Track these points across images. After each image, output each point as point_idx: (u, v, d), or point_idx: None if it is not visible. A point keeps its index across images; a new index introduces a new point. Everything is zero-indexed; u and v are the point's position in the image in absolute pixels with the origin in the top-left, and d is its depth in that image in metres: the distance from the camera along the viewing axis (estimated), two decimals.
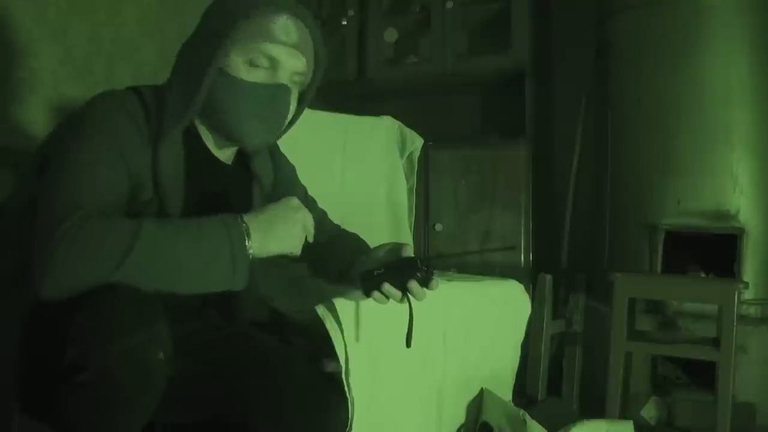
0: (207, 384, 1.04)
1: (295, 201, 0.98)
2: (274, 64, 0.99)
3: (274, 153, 1.24)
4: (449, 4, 2.55)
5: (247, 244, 0.89)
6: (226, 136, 1.04)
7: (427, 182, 2.44)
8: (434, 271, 1.03)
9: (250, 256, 0.90)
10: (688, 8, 1.98)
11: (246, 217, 0.92)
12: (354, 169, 1.96)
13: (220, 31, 0.96)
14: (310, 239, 0.99)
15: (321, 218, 1.27)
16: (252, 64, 0.98)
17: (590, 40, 2.39)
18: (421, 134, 2.23)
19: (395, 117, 2.16)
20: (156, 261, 0.83)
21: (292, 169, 1.29)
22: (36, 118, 1.72)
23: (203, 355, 1.06)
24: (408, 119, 2.21)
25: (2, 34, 1.63)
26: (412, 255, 1.05)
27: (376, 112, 2.13)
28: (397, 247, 1.09)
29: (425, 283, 1.02)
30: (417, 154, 2.22)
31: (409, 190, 2.20)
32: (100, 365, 0.75)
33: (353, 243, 1.22)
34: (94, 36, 1.92)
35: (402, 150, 2.18)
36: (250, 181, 1.16)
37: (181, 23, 2.28)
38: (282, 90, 1.01)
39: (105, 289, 0.80)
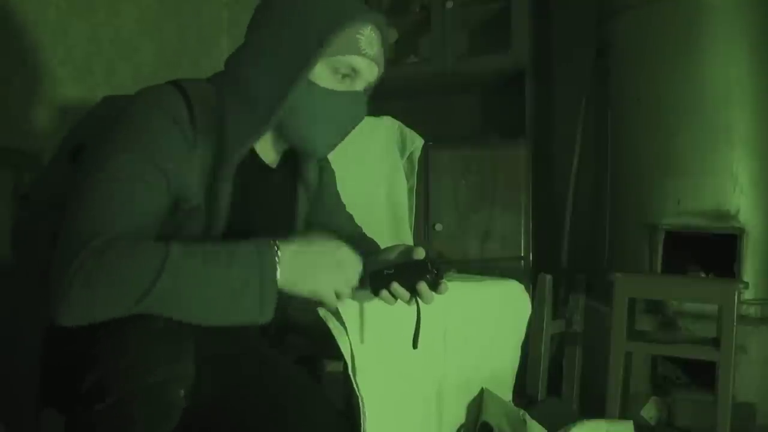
0: (217, 416, 1.00)
1: (344, 250, 0.94)
2: (354, 74, 0.98)
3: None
4: (449, 4, 2.55)
5: (278, 276, 0.85)
6: (294, 142, 1.00)
7: (427, 182, 2.44)
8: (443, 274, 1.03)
9: (278, 288, 0.86)
10: (688, 8, 1.98)
11: (285, 248, 0.87)
12: (354, 169, 1.96)
13: (311, 43, 0.92)
14: (345, 297, 0.95)
15: (344, 222, 1.26)
16: (336, 73, 0.96)
17: (590, 40, 2.39)
18: (421, 134, 2.23)
19: (395, 117, 2.16)
20: (181, 294, 0.79)
21: (333, 173, 1.26)
22: (36, 118, 1.72)
23: (219, 384, 1.00)
24: (408, 119, 2.21)
25: (2, 35, 1.63)
26: (424, 257, 1.04)
27: (376, 112, 2.14)
28: (409, 249, 1.07)
29: (434, 286, 1.01)
30: (417, 154, 2.22)
31: (410, 190, 2.20)
32: (119, 398, 0.74)
33: (368, 247, 1.20)
34: (94, 36, 1.92)
35: (402, 150, 2.18)
36: (295, 185, 1.13)
37: (180, 23, 2.28)
38: (362, 99, 1.01)
39: (135, 318, 0.77)
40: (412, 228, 2.20)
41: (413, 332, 1.04)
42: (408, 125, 2.19)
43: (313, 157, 1.07)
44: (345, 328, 1.08)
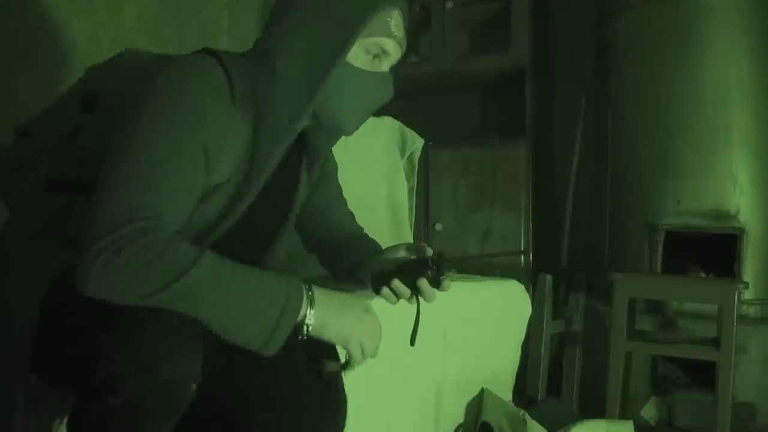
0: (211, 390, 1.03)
1: (372, 312, 0.95)
2: (384, 55, 1.01)
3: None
4: (449, 4, 2.55)
5: (304, 316, 0.86)
6: (324, 118, 1.01)
7: (427, 182, 2.44)
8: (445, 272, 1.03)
9: (306, 329, 0.87)
10: (688, 8, 1.98)
11: (315, 287, 0.88)
12: (354, 169, 1.96)
13: (348, 24, 0.95)
14: (368, 356, 0.96)
15: (345, 218, 1.26)
16: (368, 54, 0.99)
17: (590, 39, 2.39)
18: (421, 134, 2.23)
19: (395, 117, 2.16)
20: (201, 297, 0.79)
21: (335, 166, 1.28)
22: None
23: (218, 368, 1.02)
24: (408, 119, 2.21)
25: (2, 35, 1.63)
26: (428, 255, 1.05)
27: (376, 113, 2.13)
28: (412, 246, 1.09)
29: (435, 283, 1.01)
30: (417, 154, 2.22)
31: (410, 191, 2.20)
32: (132, 394, 0.74)
33: (369, 247, 1.20)
34: (94, 36, 1.92)
35: (402, 150, 2.18)
36: (299, 169, 1.13)
37: (180, 23, 2.28)
38: (390, 79, 1.05)
39: (150, 313, 0.77)
40: (412, 228, 2.20)
41: (411, 329, 1.04)
42: (408, 125, 2.19)
43: (340, 133, 1.09)
44: None
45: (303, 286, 0.87)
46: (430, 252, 1.05)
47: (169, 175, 0.83)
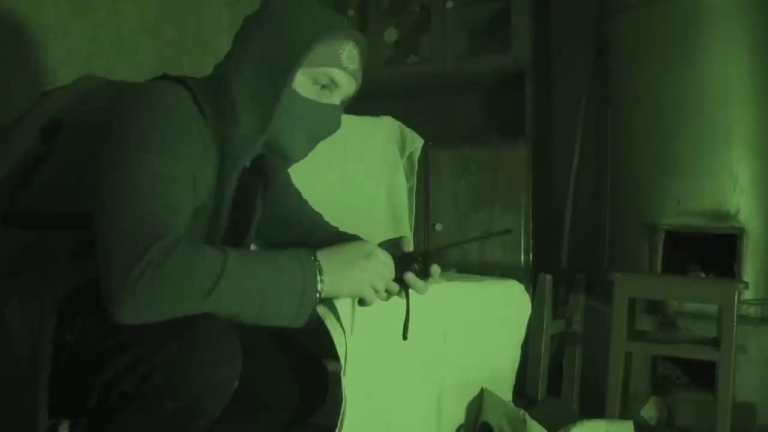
0: None
1: (371, 246, 1.00)
2: (334, 86, 1.02)
3: None
4: (449, 4, 2.55)
5: (318, 285, 0.91)
6: (270, 147, 1.04)
7: (427, 182, 2.43)
8: (434, 263, 1.04)
9: (319, 296, 0.91)
10: (688, 8, 1.97)
11: (319, 255, 0.93)
12: (354, 169, 1.96)
13: (295, 51, 0.97)
14: (382, 292, 1.00)
15: (318, 221, 1.27)
16: (316, 83, 1.00)
17: (590, 40, 2.39)
18: (421, 134, 2.23)
19: (395, 117, 2.16)
20: (240, 293, 0.83)
21: (287, 172, 1.28)
22: None
23: None
24: (408, 119, 2.21)
25: (2, 35, 1.63)
26: (410, 250, 1.07)
27: (376, 112, 2.13)
28: (395, 242, 1.10)
29: (424, 274, 1.03)
30: (417, 154, 2.22)
31: (409, 190, 2.20)
32: (190, 397, 0.77)
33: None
34: (94, 36, 1.92)
35: (402, 150, 2.18)
36: (256, 183, 1.16)
37: (180, 23, 2.28)
38: (339, 111, 1.06)
39: (196, 319, 0.80)
40: (412, 228, 2.20)
41: (403, 323, 1.05)
42: (408, 125, 2.19)
43: (286, 163, 1.10)
44: (342, 328, 1.09)
45: (310, 256, 0.91)
46: (410, 245, 1.07)
47: (172, 192, 0.85)
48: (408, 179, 2.19)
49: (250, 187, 1.14)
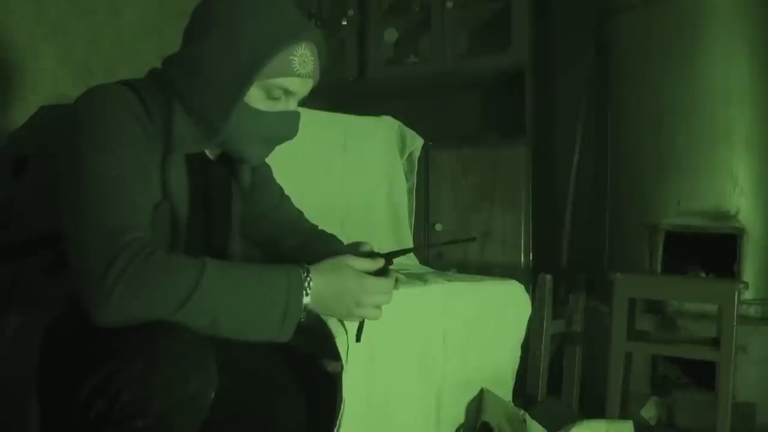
0: None
1: (371, 280, 0.98)
2: (289, 94, 1.00)
3: None
4: (449, 4, 2.55)
5: (303, 299, 0.89)
6: (229, 152, 1.03)
7: (427, 182, 2.43)
8: (402, 272, 1.03)
9: (304, 312, 0.90)
10: (688, 8, 1.98)
11: (314, 271, 0.91)
12: (354, 169, 1.96)
13: (245, 68, 0.94)
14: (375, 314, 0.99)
15: (296, 220, 1.26)
16: (269, 96, 0.98)
17: (590, 40, 2.39)
18: (421, 134, 2.23)
19: (395, 117, 2.16)
20: (216, 305, 0.82)
21: (269, 169, 1.27)
22: None
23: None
24: (408, 119, 2.21)
25: (2, 35, 1.63)
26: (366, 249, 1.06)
27: (376, 112, 2.13)
28: (354, 246, 1.09)
29: (383, 275, 1.01)
30: (417, 154, 2.22)
31: (409, 190, 2.20)
32: (160, 413, 0.75)
33: (325, 248, 1.18)
34: (94, 37, 1.92)
35: (402, 150, 2.18)
36: (230, 180, 1.14)
37: (180, 24, 2.28)
38: (296, 117, 1.03)
39: (163, 333, 0.78)
40: (412, 228, 2.20)
41: (357, 326, 1.05)
42: (408, 125, 2.19)
43: (247, 164, 1.10)
44: (345, 329, 1.09)
45: (300, 274, 0.90)
46: (366, 248, 1.06)
47: (129, 193, 0.85)
48: (408, 179, 2.19)
49: (223, 189, 1.13)
